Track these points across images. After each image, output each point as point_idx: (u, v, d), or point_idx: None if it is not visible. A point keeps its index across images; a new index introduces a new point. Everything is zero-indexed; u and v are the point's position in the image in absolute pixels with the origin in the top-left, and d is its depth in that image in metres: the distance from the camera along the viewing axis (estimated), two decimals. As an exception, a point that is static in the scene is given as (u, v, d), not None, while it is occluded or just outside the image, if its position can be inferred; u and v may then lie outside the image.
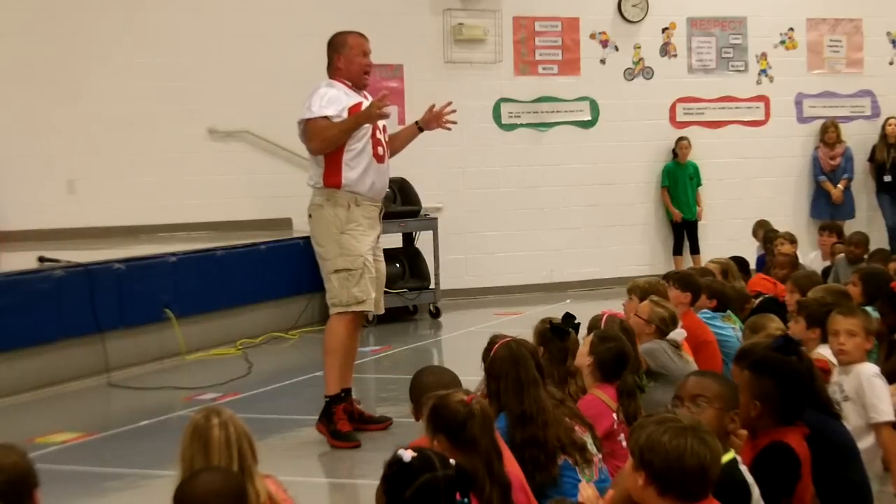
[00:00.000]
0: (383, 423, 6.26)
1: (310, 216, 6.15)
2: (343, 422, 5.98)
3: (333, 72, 6.18)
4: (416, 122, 6.46)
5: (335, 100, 6.00)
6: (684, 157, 12.10)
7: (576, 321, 4.67)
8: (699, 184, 12.21)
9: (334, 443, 5.92)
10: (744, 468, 3.33)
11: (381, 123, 6.16)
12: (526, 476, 3.55)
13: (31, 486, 2.92)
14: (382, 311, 6.51)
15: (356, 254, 5.99)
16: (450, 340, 9.64)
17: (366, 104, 6.09)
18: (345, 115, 5.98)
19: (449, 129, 6.50)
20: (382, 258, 6.34)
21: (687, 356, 5.29)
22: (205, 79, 10.31)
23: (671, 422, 2.82)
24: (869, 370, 4.49)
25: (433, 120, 6.40)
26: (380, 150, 6.13)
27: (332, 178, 6.00)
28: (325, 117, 5.94)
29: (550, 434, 3.78)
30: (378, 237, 6.22)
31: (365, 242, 6.04)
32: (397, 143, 6.40)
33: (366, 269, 6.01)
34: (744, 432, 3.75)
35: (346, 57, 6.15)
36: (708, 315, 6.15)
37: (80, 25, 9.93)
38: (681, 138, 12.13)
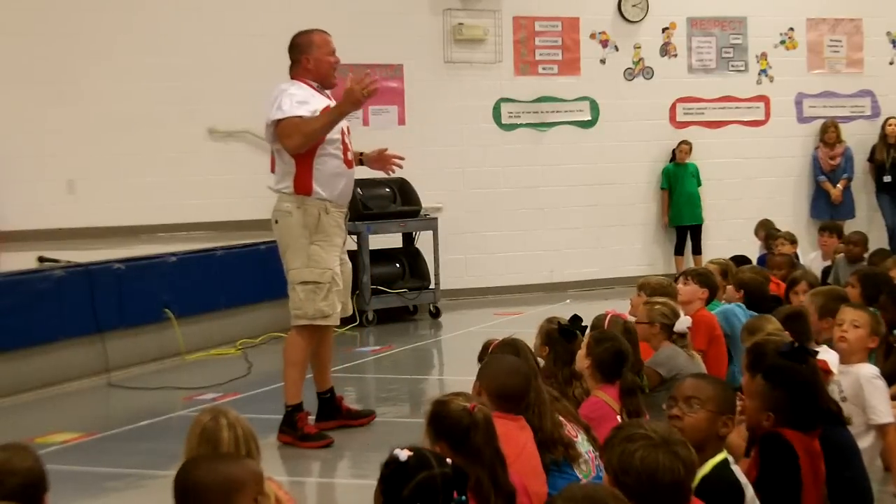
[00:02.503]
0: (368, 417, 6.35)
1: (275, 222, 5.96)
2: (308, 426, 5.98)
3: (299, 72, 6.01)
4: (360, 155, 6.29)
5: (305, 100, 5.83)
6: (682, 159, 12.09)
7: (583, 323, 4.67)
8: (699, 184, 12.21)
9: (305, 445, 5.90)
10: (736, 468, 3.33)
11: (345, 126, 5.98)
12: None
13: (43, 490, 2.92)
14: (350, 313, 6.48)
15: (324, 266, 5.87)
16: (450, 340, 9.64)
17: (333, 105, 5.93)
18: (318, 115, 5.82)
19: (389, 174, 6.57)
20: (348, 260, 6.27)
21: (697, 356, 5.31)
22: (205, 79, 10.31)
23: (641, 438, 2.78)
24: (868, 371, 4.50)
25: (377, 161, 6.29)
26: (349, 154, 6.02)
27: (302, 185, 5.84)
28: (299, 117, 5.76)
29: (545, 423, 3.79)
30: (344, 242, 6.15)
31: (333, 254, 5.92)
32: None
33: (333, 282, 5.89)
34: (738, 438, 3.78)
35: (315, 56, 5.99)
36: (732, 312, 6.18)
37: (80, 25, 9.93)
38: (682, 142, 12.12)
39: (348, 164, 6.02)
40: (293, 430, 5.94)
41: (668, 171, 12.15)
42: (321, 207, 5.87)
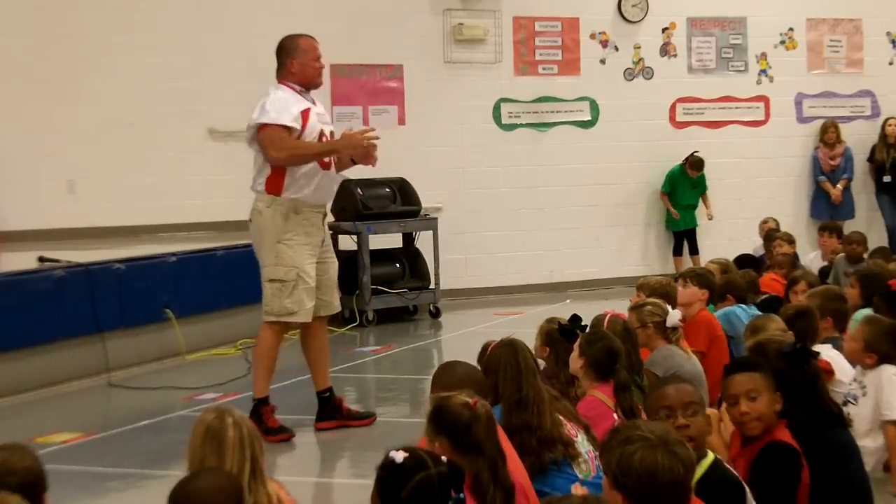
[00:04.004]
0: (369, 419, 6.38)
1: (250, 220, 6.18)
2: (272, 419, 6.09)
3: (285, 75, 6.18)
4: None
5: (288, 106, 6.02)
6: (694, 174, 11.99)
7: (582, 323, 4.69)
8: (704, 190, 12.13)
9: (269, 439, 5.92)
10: (728, 467, 3.35)
11: (327, 130, 6.18)
12: None
13: (42, 489, 2.93)
14: (338, 310, 6.57)
15: (290, 265, 6.03)
16: (450, 340, 9.65)
17: (315, 109, 6.12)
18: (299, 121, 6.00)
19: (373, 165, 6.44)
20: (334, 258, 6.38)
21: (691, 353, 5.31)
22: (205, 79, 10.31)
23: (639, 439, 2.78)
24: (892, 370, 4.54)
25: (363, 157, 6.30)
26: (326, 157, 6.15)
27: (274, 184, 6.05)
28: (283, 126, 5.96)
29: (545, 421, 3.81)
30: (323, 241, 6.23)
31: (301, 253, 6.05)
32: (338, 164, 6.34)
33: (300, 280, 6.03)
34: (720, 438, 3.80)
35: (300, 61, 6.15)
36: (734, 314, 6.18)
37: (80, 25, 9.93)
38: (695, 155, 11.93)
39: (325, 165, 6.14)
40: (259, 424, 5.99)
41: (672, 174, 12.08)
42: (291, 207, 6.04)
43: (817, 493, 3.67)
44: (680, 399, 3.40)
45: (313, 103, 6.20)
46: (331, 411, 6.29)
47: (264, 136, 6.00)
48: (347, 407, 6.39)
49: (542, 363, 4.76)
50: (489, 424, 3.23)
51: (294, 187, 6.02)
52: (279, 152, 5.99)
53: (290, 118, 5.98)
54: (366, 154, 6.25)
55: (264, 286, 6.08)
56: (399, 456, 2.74)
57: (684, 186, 12.05)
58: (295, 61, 6.14)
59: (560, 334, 4.64)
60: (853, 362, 4.83)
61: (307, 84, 6.18)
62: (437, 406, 3.25)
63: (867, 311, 5.45)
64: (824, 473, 3.69)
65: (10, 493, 2.77)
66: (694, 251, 12.10)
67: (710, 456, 3.34)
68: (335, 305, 6.39)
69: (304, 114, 6.05)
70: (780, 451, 3.57)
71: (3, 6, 9.67)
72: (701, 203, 12.18)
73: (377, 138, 6.02)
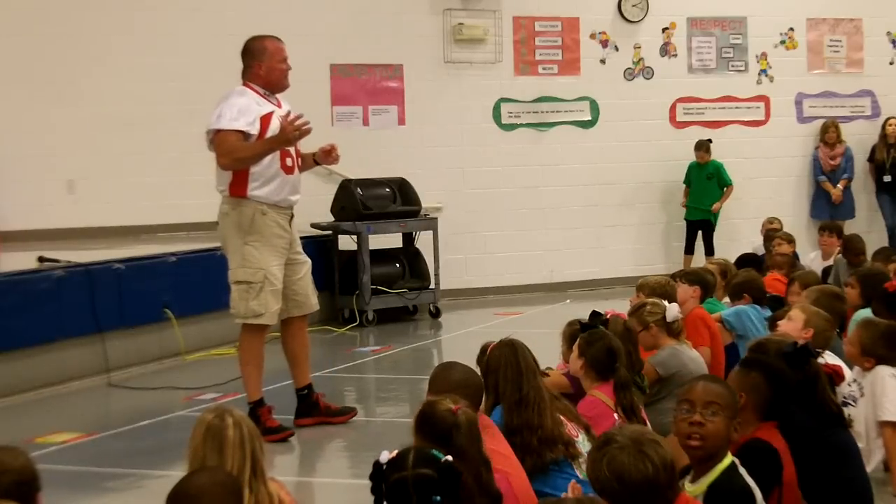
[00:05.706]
0: (348, 415, 6.38)
1: (217, 223, 6.18)
2: (270, 420, 6.09)
3: (251, 77, 6.16)
4: (314, 156, 6.38)
5: (246, 110, 5.99)
6: (701, 160, 11.98)
7: (603, 317, 4.70)
8: (726, 183, 12.01)
9: (269, 438, 5.91)
10: (743, 471, 3.32)
11: None
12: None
13: (36, 489, 2.94)
14: (316, 309, 6.53)
15: (257, 266, 6.01)
16: (450, 340, 9.65)
17: (278, 112, 6.06)
18: (256, 125, 5.96)
19: (332, 165, 6.49)
20: (306, 258, 6.36)
21: (695, 351, 5.32)
22: (205, 79, 10.28)
23: (610, 443, 2.84)
24: (887, 371, 4.55)
25: (324, 156, 6.34)
26: (288, 161, 6.12)
27: (237, 187, 6.03)
28: (237, 131, 5.94)
29: (546, 421, 3.82)
30: (291, 242, 6.21)
31: (268, 254, 6.04)
32: (302, 165, 6.35)
33: (266, 282, 6.02)
34: None
35: (267, 64, 6.12)
36: (746, 313, 6.19)
37: (79, 25, 9.93)
38: (701, 142, 11.96)
39: (287, 169, 6.11)
40: (258, 425, 5.97)
41: (690, 167, 12.06)
42: (256, 209, 6.02)
43: (817, 493, 3.67)
44: (703, 396, 3.36)
45: (278, 105, 6.15)
46: (308, 408, 6.33)
47: (216, 141, 6.02)
48: (327, 404, 6.40)
49: (557, 369, 4.82)
50: (471, 432, 3.21)
51: (258, 190, 6.01)
52: (224, 158, 6.00)
53: (244, 123, 5.96)
54: (325, 155, 6.26)
55: (231, 288, 6.07)
56: (384, 456, 2.82)
57: (699, 177, 11.99)
58: (262, 64, 6.12)
59: (582, 332, 4.64)
60: (852, 365, 4.83)
61: (273, 87, 6.16)
62: (422, 411, 3.26)
63: (867, 312, 5.45)
64: (824, 473, 3.70)
65: (4, 498, 2.78)
66: (709, 251, 11.81)
67: (727, 460, 3.30)
68: (312, 304, 6.37)
69: (266, 118, 6.01)
70: (754, 449, 3.57)
71: (3, 6, 9.68)
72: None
73: (306, 123, 5.91)
